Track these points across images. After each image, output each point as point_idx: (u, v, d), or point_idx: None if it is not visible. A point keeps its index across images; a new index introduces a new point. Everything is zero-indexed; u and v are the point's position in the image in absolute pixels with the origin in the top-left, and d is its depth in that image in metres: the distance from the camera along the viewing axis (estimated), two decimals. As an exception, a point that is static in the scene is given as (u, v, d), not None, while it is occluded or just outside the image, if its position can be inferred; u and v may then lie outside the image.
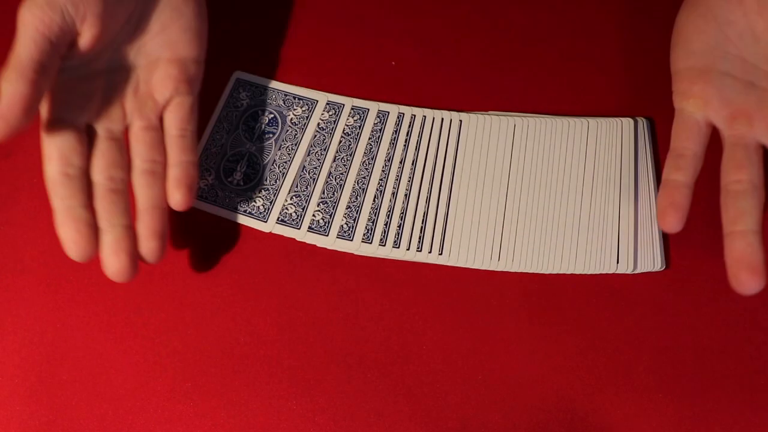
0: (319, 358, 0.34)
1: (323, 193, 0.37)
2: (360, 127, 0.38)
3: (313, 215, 0.36)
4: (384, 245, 0.36)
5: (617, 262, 0.35)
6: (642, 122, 0.38)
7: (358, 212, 0.36)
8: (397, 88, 0.40)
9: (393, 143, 0.38)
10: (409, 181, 0.37)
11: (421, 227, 0.36)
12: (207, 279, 0.35)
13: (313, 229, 0.36)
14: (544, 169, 0.37)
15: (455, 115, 0.38)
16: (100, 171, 0.31)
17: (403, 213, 0.36)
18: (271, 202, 0.37)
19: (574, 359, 0.33)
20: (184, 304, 0.35)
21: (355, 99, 0.39)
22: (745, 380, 0.33)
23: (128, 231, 0.31)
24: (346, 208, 0.36)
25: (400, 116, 0.38)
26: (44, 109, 0.31)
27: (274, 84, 0.40)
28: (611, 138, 0.37)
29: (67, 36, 0.30)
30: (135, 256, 0.31)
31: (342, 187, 0.37)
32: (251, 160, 0.38)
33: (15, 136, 0.28)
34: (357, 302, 0.35)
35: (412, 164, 0.37)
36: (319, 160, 0.38)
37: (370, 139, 0.38)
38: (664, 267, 0.35)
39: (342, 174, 0.37)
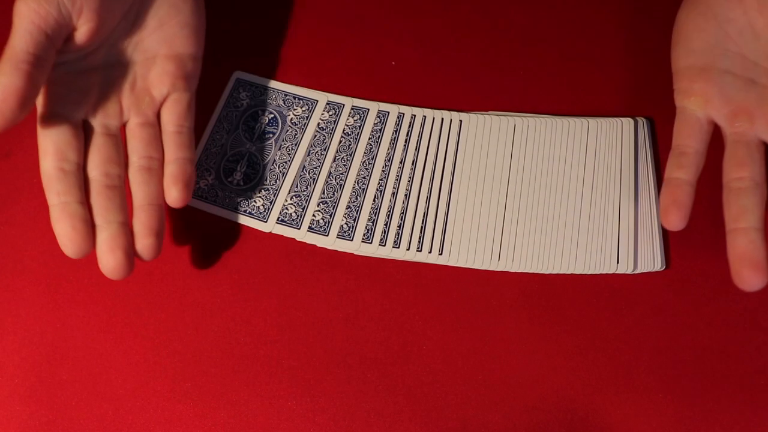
0: (319, 358, 0.34)
1: (323, 193, 0.37)
2: (360, 127, 0.38)
3: (313, 215, 0.36)
4: (384, 245, 0.36)
5: (617, 262, 0.35)
6: (642, 122, 0.38)
7: (358, 212, 0.36)
8: (397, 88, 0.40)
9: (393, 143, 0.38)
10: (409, 181, 0.37)
11: (421, 227, 0.36)
12: (207, 279, 0.35)
13: (313, 229, 0.36)
14: (544, 169, 0.37)
15: (455, 115, 0.38)
16: (96, 167, 0.31)
17: (403, 213, 0.36)
18: (271, 202, 0.37)
19: (574, 359, 0.33)
20: (184, 304, 0.35)
21: (355, 99, 0.39)
22: (745, 380, 0.33)
23: (124, 228, 0.31)
24: (346, 208, 0.36)
25: (400, 116, 0.38)
26: (40, 104, 0.31)
27: (274, 84, 0.40)
28: (611, 138, 0.37)
29: (63, 29, 0.30)
30: (131, 254, 0.30)
31: (342, 187, 0.37)
32: (251, 160, 0.38)
33: (10, 128, 0.28)
34: (357, 302, 0.35)
35: (412, 164, 0.37)
36: (319, 160, 0.38)
37: (370, 139, 0.38)
38: (664, 267, 0.35)
39: (342, 174, 0.37)
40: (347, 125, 0.38)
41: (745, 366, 0.33)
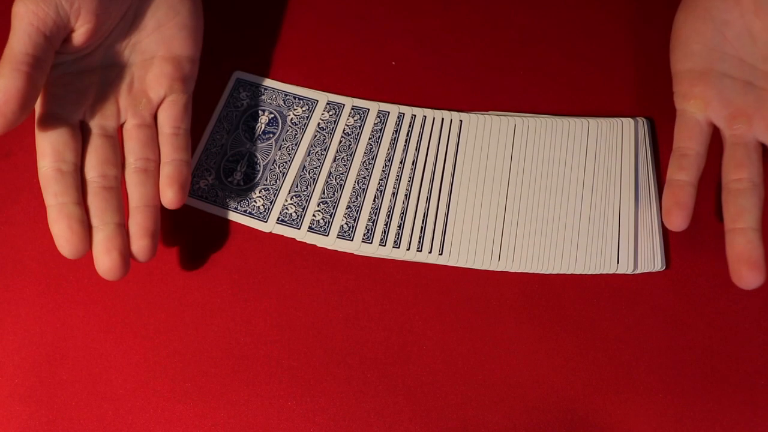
0: (319, 358, 0.34)
1: (323, 193, 0.37)
2: (360, 127, 0.38)
3: (313, 215, 0.36)
4: (384, 245, 0.36)
5: (617, 263, 0.35)
6: (642, 122, 0.38)
7: (359, 212, 0.36)
8: (397, 88, 0.40)
9: (393, 143, 0.38)
10: (409, 181, 0.37)
11: (422, 227, 0.36)
12: (207, 279, 0.35)
13: (313, 229, 0.36)
14: (544, 169, 0.37)
15: (455, 115, 0.38)
16: (93, 168, 0.32)
17: (403, 213, 0.36)
18: (271, 202, 0.37)
19: (574, 359, 0.33)
20: (184, 304, 0.35)
21: (355, 99, 0.39)
22: (745, 380, 0.33)
23: (120, 229, 0.31)
24: (347, 208, 0.36)
25: (400, 116, 0.38)
26: (38, 105, 0.31)
27: (274, 84, 0.40)
28: (611, 138, 0.37)
29: (61, 31, 0.30)
30: (127, 255, 0.31)
31: (342, 187, 0.37)
32: (251, 160, 0.38)
33: (10, 129, 0.28)
34: (357, 302, 0.35)
35: (413, 164, 0.37)
36: (319, 160, 0.38)
37: (370, 139, 0.38)
38: (664, 267, 0.35)
39: (342, 174, 0.37)
40: (347, 125, 0.38)
41: (745, 366, 0.33)
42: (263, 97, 0.40)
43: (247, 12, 0.42)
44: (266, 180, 0.37)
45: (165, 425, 0.32)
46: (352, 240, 0.36)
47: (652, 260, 0.35)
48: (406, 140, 0.38)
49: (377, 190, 0.37)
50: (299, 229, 0.36)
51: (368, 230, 0.36)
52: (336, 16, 0.42)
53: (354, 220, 0.36)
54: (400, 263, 0.36)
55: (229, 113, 0.39)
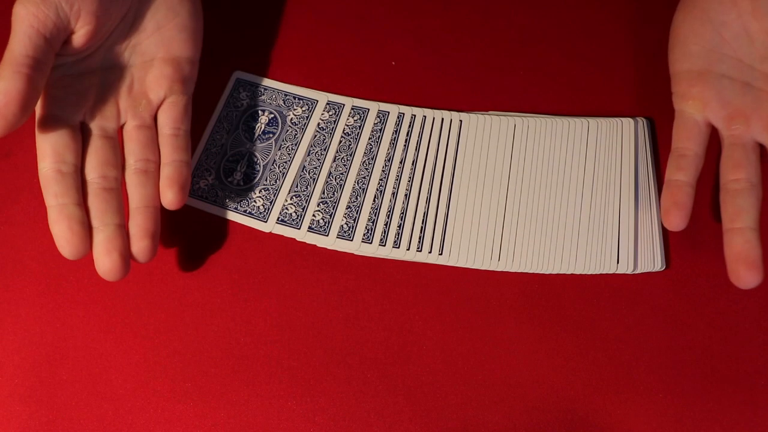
0: (319, 358, 0.34)
1: (323, 193, 0.37)
2: (360, 127, 0.38)
3: (313, 215, 0.36)
4: (384, 245, 0.36)
5: (617, 263, 0.35)
6: (642, 122, 0.38)
7: (358, 212, 0.36)
8: (397, 88, 0.40)
9: (393, 143, 0.38)
10: (409, 181, 0.37)
11: (421, 227, 0.36)
12: (207, 279, 0.35)
13: (313, 229, 0.36)
14: (544, 169, 0.37)
15: (455, 115, 0.38)
16: (94, 169, 0.32)
17: (403, 213, 0.36)
18: (271, 202, 0.37)
19: (574, 359, 0.33)
20: (185, 304, 0.35)
21: (355, 99, 0.39)
22: (745, 380, 0.33)
23: (120, 230, 0.31)
24: (346, 208, 0.36)
25: (400, 116, 0.38)
26: (38, 106, 0.31)
27: (274, 84, 0.40)
28: (611, 138, 0.37)
29: (61, 33, 0.30)
30: (127, 256, 0.31)
31: (342, 187, 0.37)
32: (251, 160, 0.38)
33: (12, 131, 0.28)
34: (357, 302, 0.35)
35: (412, 164, 0.37)
36: (319, 160, 0.38)
37: (370, 139, 0.38)
38: (664, 267, 0.35)
39: (342, 174, 0.37)
40: (347, 125, 0.38)
41: (745, 366, 0.33)
42: (263, 97, 0.40)
43: (247, 12, 0.42)
44: (266, 180, 0.37)
45: (165, 425, 0.32)
46: (352, 240, 0.36)
47: (652, 260, 0.35)
48: (406, 140, 0.38)
49: (377, 190, 0.37)
50: (299, 229, 0.36)
51: (368, 230, 0.36)
52: (336, 16, 0.42)
53: (354, 220, 0.36)
54: (400, 263, 0.36)
55: (229, 113, 0.39)
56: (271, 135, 0.38)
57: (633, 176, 0.36)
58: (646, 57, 0.40)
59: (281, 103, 0.39)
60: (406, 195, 0.37)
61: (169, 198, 0.32)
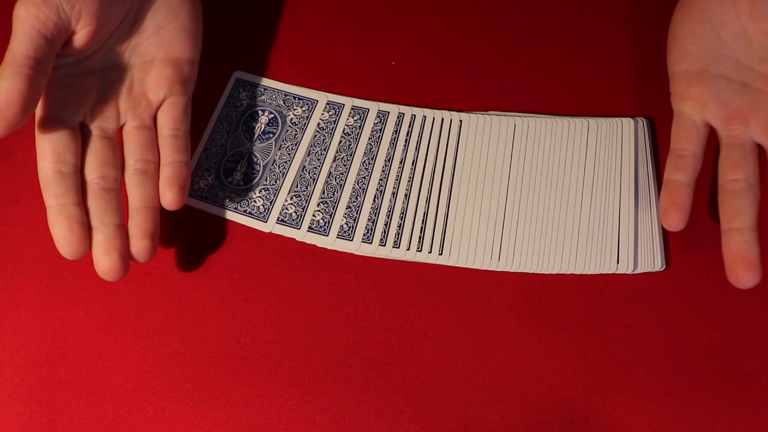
0: (319, 358, 0.34)
1: (323, 193, 0.37)
2: (360, 127, 0.38)
3: (313, 215, 0.36)
4: (384, 245, 0.36)
5: (617, 263, 0.35)
6: (642, 122, 0.38)
7: (358, 212, 0.36)
8: (397, 88, 0.40)
9: (393, 143, 0.38)
10: (409, 181, 0.37)
11: (421, 227, 0.36)
12: (207, 279, 0.35)
13: (313, 229, 0.36)
14: (544, 169, 0.37)
15: (455, 115, 0.38)
16: (93, 169, 0.32)
17: (403, 213, 0.36)
18: (271, 202, 0.37)
19: (574, 359, 0.33)
20: (184, 304, 0.35)
21: (355, 99, 0.39)
22: (745, 380, 0.33)
23: (120, 230, 0.31)
24: (346, 208, 0.36)
25: (400, 116, 0.38)
26: (39, 107, 0.31)
27: (274, 84, 0.40)
28: (611, 138, 0.37)
29: (62, 33, 0.30)
30: (126, 256, 0.31)
31: (342, 187, 0.37)
32: (251, 160, 0.38)
33: (13, 132, 0.28)
34: (357, 302, 0.35)
35: (412, 164, 0.37)
36: (319, 160, 0.38)
37: (370, 139, 0.38)
38: (664, 267, 0.35)
39: (342, 174, 0.37)
40: (347, 125, 0.38)
41: (745, 366, 0.33)
42: (263, 97, 0.40)
43: (247, 12, 0.42)
44: (266, 180, 0.37)
45: (165, 425, 0.32)
46: (352, 240, 0.36)
47: (652, 260, 0.35)
48: (406, 140, 0.38)
49: (377, 190, 0.37)
50: (299, 229, 0.36)
51: (368, 230, 0.36)
52: (336, 16, 0.42)
53: (354, 220, 0.36)
54: (400, 263, 0.36)
55: (229, 113, 0.39)
56: (271, 135, 0.38)
57: (633, 176, 0.36)
58: (646, 57, 0.40)
59: (281, 103, 0.39)
60: (406, 195, 0.37)
61: (169, 198, 0.33)
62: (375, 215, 0.36)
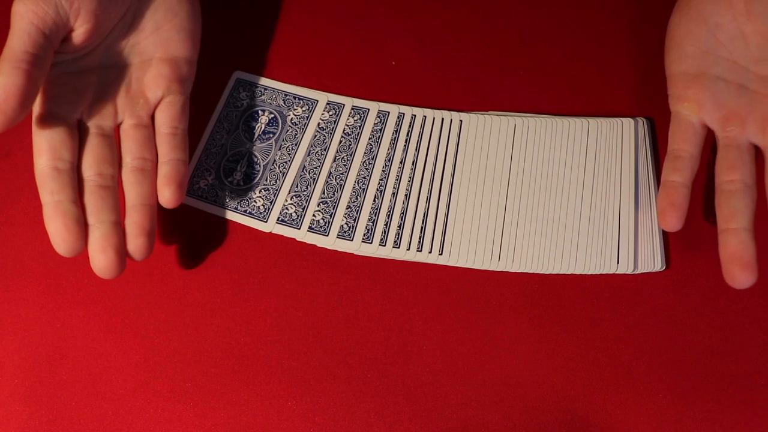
0: (319, 358, 0.34)
1: (323, 193, 0.37)
2: (360, 127, 0.38)
3: (313, 215, 0.36)
4: (384, 245, 0.36)
5: (617, 263, 0.35)
6: (642, 122, 0.38)
7: (359, 212, 0.36)
8: (397, 88, 0.40)
9: (393, 143, 0.38)
10: (409, 181, 0.37)
11: (422, 227, 0.36)
12: (207, 279, 0.35)
13: (313, 229, 0.36)
14: (544, 169, 0.37)
15: (455, 115, 0.38)
16: (90, 167, 0.32)
17: (403, 213, 0.36)
18: (271, 202, 0.37)
19: (574, 359, 0.33)
20: (184, 304, 0.35)
21: (355, 99, 0.39)
22: (745, 380, 0.33)
23: (116, 227, 0.31)
24: (347, 208, 0.36)
25: (401, 116, 0.38)
26: (36, 103, 0.31)
27: (274, 84, 0.40)
28: (611, 138, 0.37)
29: (60, 30, 0.30)
30: (122, 253, 0.31)
31: (342, 187, 0.37)
32: (251, 160, 0.38)
33: (10, 127, 0.28)
34: (357, 302, 0.35)
35: (413, 164, 0.37)
36: (319, 160, 0.38)
37: (370, 139, 0.38)
38: (664, 267, 0.35)
39: (342, 174, 0.37)
40: (347, 125, 0.38)
41: (745, 366, 0.33)
42: (263, 97, 0.40)
43: (247, 12, 0.42)
44: (266, 180, 0.37)
45: (165, 425, 0.32)
46: (352, 240, 0.36)
47: (652, 260, 0.35)
48: (406, 140, 0.38)
49: (377, 190, 0.37)
50: (299, 229, 0.36)
51: (368, 230, 0.36)
52: (336, 16, 0.42)
53: (354, 220, 0.36)
54: (400, 263, 0.36)
55: (229, 113, 0.39)
56: (271, 135, 0.38)
57: (633, 176, 0.36)
58: (646, 57, 0.40)
59: (281, 103, 0.39)
60: (406, 195, 0.37)
61: (167, 196, 0.32)
62: (375, 215, 0.36)
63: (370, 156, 0.38)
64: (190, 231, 0.37)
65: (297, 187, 0.37)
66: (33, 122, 0.31)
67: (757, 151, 0.33)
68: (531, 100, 0.39)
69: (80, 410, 0.33)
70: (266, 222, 0.36)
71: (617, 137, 0.37)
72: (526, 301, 0.35)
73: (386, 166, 0.37)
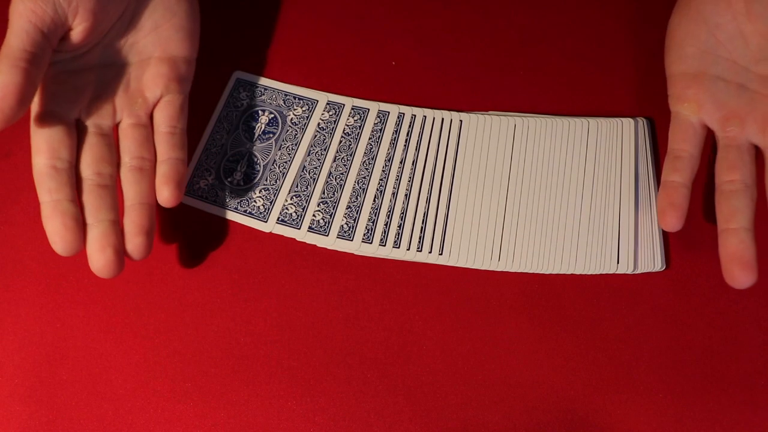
0: (319, 358, 0.34)
1: (323, 193, 0.37)
2: (360, 127, 0.38)
3: (313, 215, 0.36)
4: (384, 245, 0.36)
5: (617, 263, 0.35)
6: (642, 122, 0.38)
7: (359, 212, 0.36)
8: (397, 88, 0.40)
9: (393, 143, 0.38)
10: (409, 181, 0.37)
11: (421, 227, 0.36)
12: (207, 279, 0.35)
13: (313, 229, 0.36)
14: (544, 169, 0.37)
15: (455, 115, 0.38)
16: (89, 166, 0.32)
17: (403, 213, 0.36)
18: (271, 202, 0.37)
19: (574, 359, 0.33)
20: (184, 304, 0.35)
21: (355, 99, 0.39)
22: (745, 380, 0.33)
23: (115, 226, 0.31)
24: (347, 208, 0.36)
25: (401, 116, 0.38)
26: (35, 102, 0.31)
27: (274, 84, 0.40)
28: (611, 138, 0.37)
29: (59, 28, 0.30)
30: (121, 252, 0.31)
31: (342, 187, 0.37)
32: (251, 160, 0.38)
33: (8, 127, 0.28)
34: (357, 302, 0.35)
35: (413, 164, 0.37)
36: (319, 160, 0.38)
37: (370, 139, 0.38)
38: (664, 267, 0.35)
39: (342, 174, 0.37)
40: (347, 125, 0.38)
41: (745, 366, 0.33)
42: (263, 97, 0.40)
43: (247, 12, 0.42)
44: (266, 180, 0.37)
45: (165, 425, 0.32)
46: (352, 240, 0.36)
47: (652, 260, 0.35)
48: (406, 140, 0.38)
49: (377, 190, 0.37)
50: (299, 229, 0.36)
51: (368, 230, 0.36)
52: (336, 16, 0.42)
53: (354, 220, 0.36)
54: (400, 263, 0.36)
55: (229, 113, 0.39)
56: (271, 135, 0.38)
57: (633, 176, 0.36)
58: (646, 57, 0.40)
59: (281, 103, 0.39)
60: (406, 195, 0.37)
61: (165, 195, 0.32)
62: (375, 215, 0.36)
63: (370, 156, 0.38)
64: (190, 231, 0.37)
65: (297, 187, 0.37)
66: (31, 121, 0.31)
67: (757, 151, 0.33)
68: (531, 100, 0.39)
69: (80, 410, 0.33)
70: (266, 222, 0.36)
71: (617, 137, 0.37)
72: (526, 301, 0.35)
73: (386, 166, 0.37)
